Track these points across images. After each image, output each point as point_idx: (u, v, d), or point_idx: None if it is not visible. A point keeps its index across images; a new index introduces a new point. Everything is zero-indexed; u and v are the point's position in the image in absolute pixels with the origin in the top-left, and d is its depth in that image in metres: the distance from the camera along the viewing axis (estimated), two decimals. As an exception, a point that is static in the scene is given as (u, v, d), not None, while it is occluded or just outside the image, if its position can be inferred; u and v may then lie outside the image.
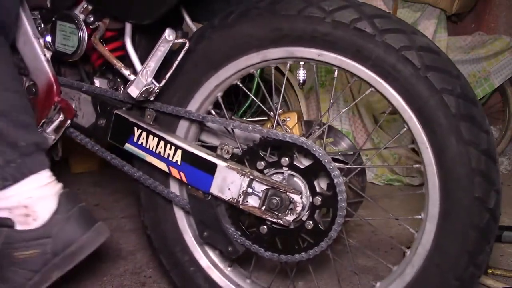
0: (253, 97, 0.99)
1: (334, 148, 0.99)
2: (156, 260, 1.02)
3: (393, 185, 2.05)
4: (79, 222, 0.79)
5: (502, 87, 2.37)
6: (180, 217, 0.98)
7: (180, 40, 0.83)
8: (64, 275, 1.17)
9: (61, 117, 0.93)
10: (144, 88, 0.83)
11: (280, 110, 0.93)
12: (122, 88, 0.98)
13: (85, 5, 0.89)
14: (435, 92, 0.74)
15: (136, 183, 0.98)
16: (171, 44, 0.81)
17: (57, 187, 0.80)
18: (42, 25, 0.93)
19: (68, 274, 1.17)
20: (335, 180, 0.79)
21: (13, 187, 0.75)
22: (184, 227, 0.98)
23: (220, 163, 0.84)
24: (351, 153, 0.95)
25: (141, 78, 0.82)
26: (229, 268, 0.98)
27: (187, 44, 0.84)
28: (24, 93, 0.82)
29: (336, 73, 0.84)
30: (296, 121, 0.92)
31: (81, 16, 0.88)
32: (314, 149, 0.80)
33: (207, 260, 0.97)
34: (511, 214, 1.64)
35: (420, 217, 0.81)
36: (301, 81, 0.88)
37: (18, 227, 0.77)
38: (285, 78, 0.93)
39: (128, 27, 0.87)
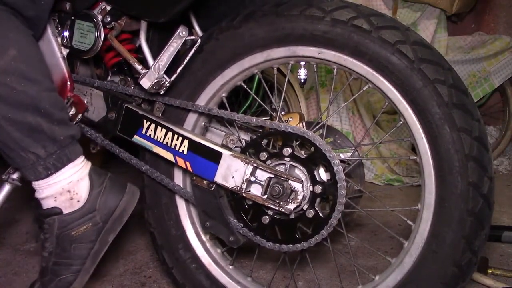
0: (255, 96, 1.02)
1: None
2: (156, 260, 1.04)
3: (393, 185, 2.07)
4: (114, 190, 0.91)
5: (502, 87, 2.38)
6: (184, 214, 1.01)
7: (192, 37, 0.87)
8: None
9: (72, 111, 0.98)
10: (156, 81, 0.87)
11: (283, 112, 0.96)
12: (133, 86, 1.03)
13: (104, 6, 0.94)
14: (428, 82, 0.77)
15: (141, 181, 1.02)
16: (183, 40, 0.86)
17: (88, 166, 0.91)
18: (59, 27, 0.99)
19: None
20: (335, 168, 0.83)
21: (55, 175, 0.85)
22: (187, 225, 1.01)
23: (225, 151, 0.88)
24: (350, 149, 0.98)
25: (153, 71, 0.87)
26: (230, 266, 1.00)
27: (199, 41, 0.89)
28: (56, 89, 0.90)
29: (335, 71, 0.88)
30: (298, 122, 0.95)
31: (99, 17, 0.94)
32: (314, 138, 0.84)
33: (209, 257, 1.00)
34: (511, 214, 1.65)
35: (417, 207, 0.84)
36: (302, 80, 0.92)
37: (66, 211, 0.88)
38: (287, 77, 0.97)
39: (144, 25, 0.93)
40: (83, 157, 0.90)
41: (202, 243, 1.01)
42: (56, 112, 0.84)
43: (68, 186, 0.86)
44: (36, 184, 0.87)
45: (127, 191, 0.93)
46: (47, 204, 0.88)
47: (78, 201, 0.87)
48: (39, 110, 0.82)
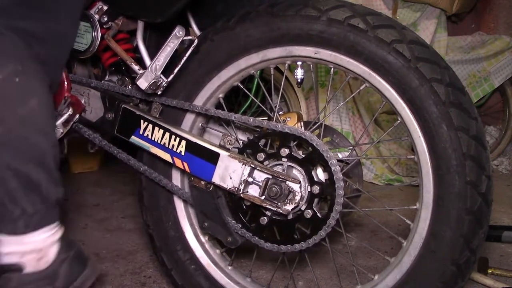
0: (252, 97, 1.02)
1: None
2: (156, 260, 1.05)
3: (393, 185, 2.07)
4: (78, 261, 0.88)
5: (502, 87, 2.38)
6: (182, 216, 1.01)
7: (189, 37, 0.88)
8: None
9: (70, 111, 0.98)
10: (153, 81, 0.87)
11: (281, 112, 0.96)
12: (130, 86, 1.03)
13: (100, 6, 0.95)
14: (425, 81, 0.77)
15: (139, 183, 1.02)
16: (180, 40, 0.86)
17: (62, 230, 0.87)
18: None
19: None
20: (333, 168, 0.83)
21: (32, 234, 0.82)
22: (185, 226, 1.01)
23: (222, 152, 0.88)
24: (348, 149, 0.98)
25: (151, 71, 0.87)
26: (229, 267, 1.00)
27: (195, 41, 0.89)
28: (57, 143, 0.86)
29: (332, 70, 0.88)
30: (296, 122, 0.95)
31: (96, 16, 0.94)
32: (312, 139, 0.84)
33: (207, 258, 1.00)
34: (511, 214, 1.65)
35: (415, 207, 0.84)
36: (299, 80, 0.92)
37: (29, 270, 0.83)
38: (284, 76, 0.96)
39: (140, 25, 0.93)
40: (59, 221, 0.87)
41: (201, 244, 1.01)
42: (55, 169, 0.82)
43: (41, 245, 0.82)
44: (3, 238, 0.80)
45: (89, 265, 0.89)
46: (9, 259, 0.81)
47: (46, 262, 0.83)
48: (43, 166, 0.79)
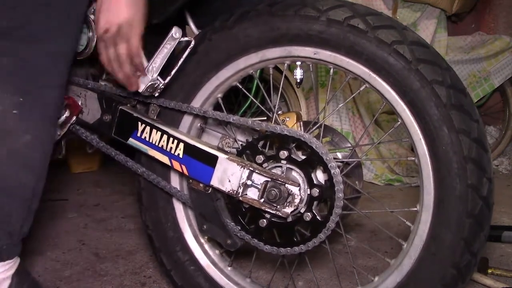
0: (251, 97, 1.02)
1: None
2: (156, 260, 1.05)
3: (393, 185, 2.07)
4: None
5: (502, 87, 2.38)
6: (181, 216, 1.00)
7: (186, 38, 0.87)
8: (65, 275, 1.19)
9: (67, 113, 0.97)
10: (150, 84, 0.87)
11: (280, 112, 0.95)
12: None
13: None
14: (426, 83, 0.76)
15: (138, 183, 1.02)
16: (177, 42, 0.85)
17: (16, 265, 0.83)
18: None
19: (68, 275, 1.20)
20: (332, 171, 0.82)
21: None
22: (184, 227, 1.00)
23: (221, 155, 0.87)
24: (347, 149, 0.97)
25: (147, 74, 0.86)
26: (229, 268, 1.00)
27: (192, 42, 0.88)
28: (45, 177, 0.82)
29: (331, 71, 0.87)
30: (295, 121, 0.94)
31: (92, 17, 0.92)
32: (311, 141, 0.83)
33: (207, 259, 0.99)
34: (511, 214, 1.64)
35: (415, 209, 0.83)
36: (298, 80, 0.91)
37: None
38: (283, 76, 0.96)
39: None
40: (18, 255, 0.83)
41: (200, 245, 1.00)
42: (35, 202, 0.78)
43: None
44: None
45: None
46: None
47: None
48: (21, 200, 0.76)
